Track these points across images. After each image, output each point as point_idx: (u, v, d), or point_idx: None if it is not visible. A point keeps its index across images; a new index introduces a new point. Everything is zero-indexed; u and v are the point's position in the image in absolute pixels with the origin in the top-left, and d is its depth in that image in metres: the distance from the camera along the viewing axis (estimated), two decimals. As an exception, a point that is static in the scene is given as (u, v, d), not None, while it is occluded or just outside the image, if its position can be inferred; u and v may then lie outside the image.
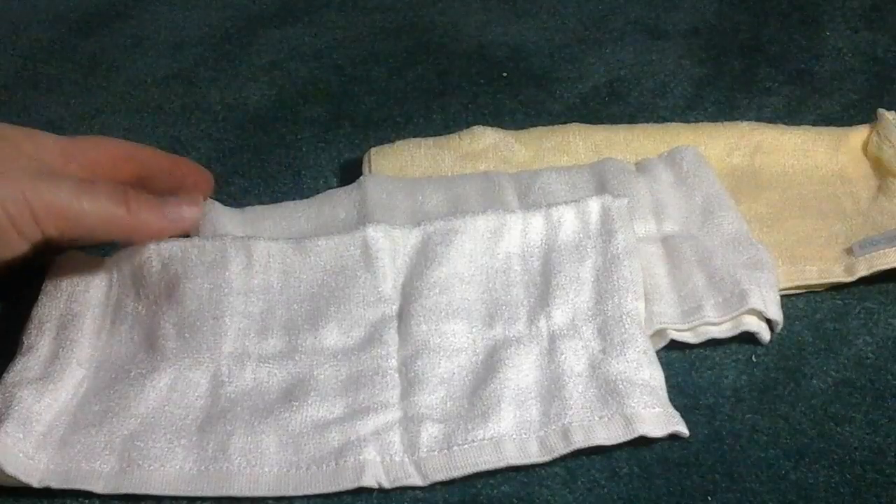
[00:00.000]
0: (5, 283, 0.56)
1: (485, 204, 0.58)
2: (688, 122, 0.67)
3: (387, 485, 0.47)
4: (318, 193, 0.62)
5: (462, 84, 0.74)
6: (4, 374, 0.51)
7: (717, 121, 0.66)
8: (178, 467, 0.48)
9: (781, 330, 0.54)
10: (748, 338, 0.54)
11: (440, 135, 0.66)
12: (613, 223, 0.55)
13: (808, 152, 0.64)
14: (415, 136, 0.66)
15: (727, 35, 0.78)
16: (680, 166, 0.61)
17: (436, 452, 0.48)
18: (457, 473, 0.47)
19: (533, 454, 0.48)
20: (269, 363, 0.52)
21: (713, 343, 0.54)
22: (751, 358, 0.53)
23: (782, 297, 0.55)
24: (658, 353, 0.52)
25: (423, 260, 0.55)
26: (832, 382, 0.52)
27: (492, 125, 0.65)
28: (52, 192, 0.48)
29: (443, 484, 0.48)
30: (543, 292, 0.54)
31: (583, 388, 0.50)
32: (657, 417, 0.48)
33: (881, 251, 0.56)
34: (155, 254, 0.54)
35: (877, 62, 0.74)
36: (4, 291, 0.57)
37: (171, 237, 0.54)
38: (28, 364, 0.51)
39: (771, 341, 0.54)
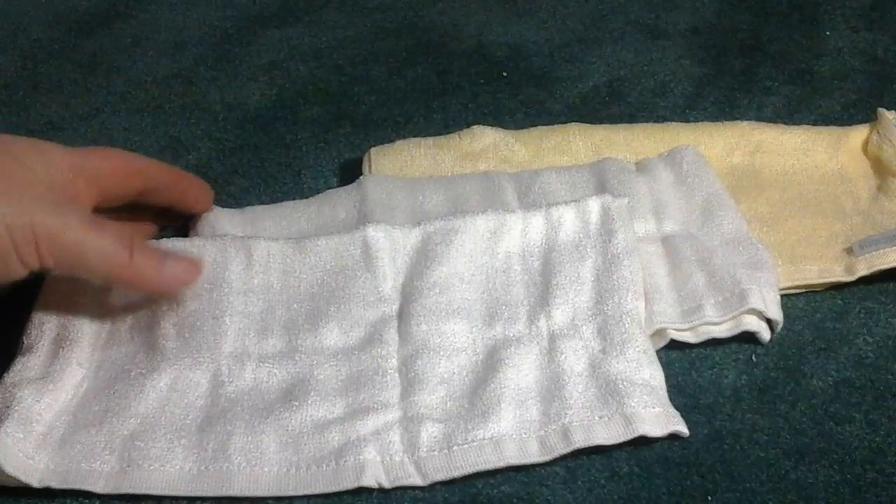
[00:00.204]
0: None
1: (485, 204, 0.58)
2: (688, 121, 0.67)
3: (387, 485, 0.47)
4: (318, 193, 0.62)
5: (462, 84, 0.74)
6: (4, 374, 0.51)
7: (717, 120, 0.66)
8: (178, 467, 0.48)
9: (781, 330, 0.54)
10: (748, 338, 0.54)
11: (440, 135, 0.66)
12: (613, 223, 0.55)
13: (808, 152, 0.63)
14: (415, 136, 0.66)
15: (727, 35, 0.78)
16: (680, 166, 0.61)
17: (436, 452, 0.48)
18: (457, 473, 0.47)
19: (533, 454, 0.48)
20: (269, 363, 0.52)
21: (713, 343, 0.54)
22: (751, 358, 0.53)
23: (782, 296, 0.55)
24: (658, 352, 0.52)
25: (423, 260, 0.55)
26: (832, 382, 0.52)
27: (492, 125, 0.65)
28: (60, 223, 0.48)
29: (443, 484, 0.48)
30: (543, 292, 0.53)
31: (583, 387, 0.50)
32: (657, 417, 0.48)
33: (881, 251, 0.56)
34: (155, 254, 0.54)
35: (877, 62, 0.74)
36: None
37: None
38: (28, 364, 0.51)
39: (771, 341, 0.54)
